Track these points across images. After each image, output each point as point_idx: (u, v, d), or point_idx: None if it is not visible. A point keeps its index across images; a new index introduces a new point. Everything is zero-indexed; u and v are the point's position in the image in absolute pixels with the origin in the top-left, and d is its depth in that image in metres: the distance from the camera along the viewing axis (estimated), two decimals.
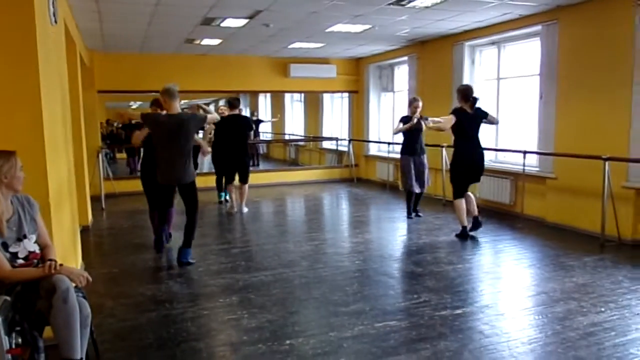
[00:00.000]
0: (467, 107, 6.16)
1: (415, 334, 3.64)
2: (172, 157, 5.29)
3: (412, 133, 7.34)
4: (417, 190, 7.45)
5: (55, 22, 4.23)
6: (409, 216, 7.62)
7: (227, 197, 8.68)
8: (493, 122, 6.41)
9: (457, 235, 6.40)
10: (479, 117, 6.21)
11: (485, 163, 6.39)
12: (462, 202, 6.32)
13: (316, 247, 6.17)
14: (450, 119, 6.16)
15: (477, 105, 6.19)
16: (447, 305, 4.15)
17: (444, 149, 8.68)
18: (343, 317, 3.94)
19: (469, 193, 6.38)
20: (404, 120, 7.38)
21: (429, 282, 4.78)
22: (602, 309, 4.02)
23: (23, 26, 3.20)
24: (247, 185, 8.21)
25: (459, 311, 4.03)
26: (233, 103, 8.07)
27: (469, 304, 4.22)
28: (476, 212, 6.38)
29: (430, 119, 7.15)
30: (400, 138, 7.59)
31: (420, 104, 7.29)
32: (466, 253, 5.86)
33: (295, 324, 3.88)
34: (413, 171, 7.36)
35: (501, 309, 4.19)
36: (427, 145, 7.58)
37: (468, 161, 6.23)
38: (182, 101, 5.89)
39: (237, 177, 8.20)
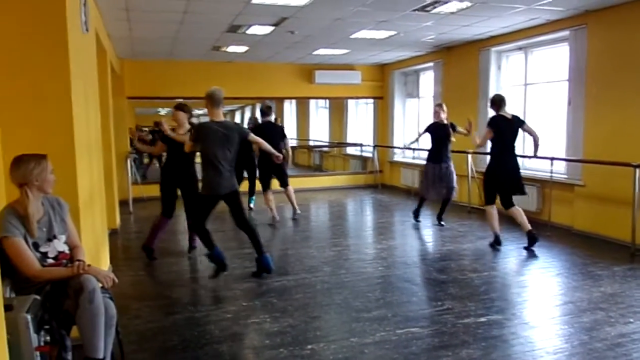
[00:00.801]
0: (505, 113, 6.03)
1: (438, 341, 3.62)
2: (222, 165, 5.04)
3: (440, 140, 7.30)
4: (431, 197, 7.43)
5: (87, 30, 4.36)
6: (415, 219, 7.77)
7: (252, 205, 8.62)
8: (532, 133, 6.07)
9: (490, 245, 6.27)
10: (516, 125, 6.05)
11: (520, 172, 6.18)
12: (492, 209, 6.17)
13: (339, 253, 6.18)
14: (487, 134, 6.04)
15: (515, 113, 6.12)
16: (471, 313, 4.11)
17: (469, 155, 8.61)
18: (365, 323, 3.94)
19: (517, 207, 6.13)
20: (429, 128, 7.38)
21: (452, 290, 4.74)
22: (631, 320, 3.92)
23: (55, 34, 3.31)
24: (290, 187, 8.17)
25: (482, 319, 3.98)
26: (266, 111, 7.96)
27: (493, 312, 4.16)
28: (528, 227, 6.04)
29: (458, 128, 7.18)
30: (428, 144, 7.54)
31: (444, 108, 7.28)
32: (491, 261, 5.79)
33: (316, 329, 3.90)
34: (432, 180, 7.29)
35: (526, 317, 4.12)
36: (452, 151, 7.50)
37: (503, 170, 6.05)
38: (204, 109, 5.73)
39: (277, 183, 8.17)
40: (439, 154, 7.31)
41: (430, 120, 7.52)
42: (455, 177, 7.47)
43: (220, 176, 5.04)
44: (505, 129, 6.01)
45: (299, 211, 8.32)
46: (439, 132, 7.31)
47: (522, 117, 6.45)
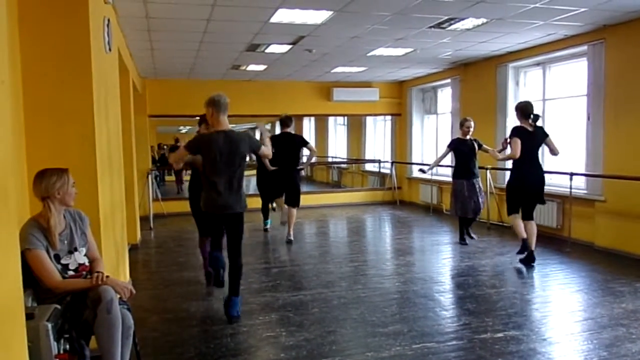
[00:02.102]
0: (527, 125, 5.95)
1: (454, 356, 3.59)
2: (223, 182, 4.37)
3: (465, 156, 7.17)
4: (469, 215, 7.22)
5: (110, 50, 4.51)
6: (461, 242, 7.34)
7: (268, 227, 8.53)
8: (554, 150, 5.97)
9: (518, 252, 6.21)
10: (539, 137, 5.96)
11: (545, 186, 6.07)
12: (516, 218, 6.11)
13: (356, 269, 6.17)
14: (516, 143, 5.85)
15: (539, 124, 6.02)
16: (488, 329, 4.07)
17: (488, 171, 8.57)
18: (381, 338, 3.93)
19: (534, 224, 6.09)
20: (454, 142, 7.32)
21: (469, 305, 4.70)
22: None
23: (79, 53, 3.44)
24: (295, 210, 7.66)
25: (499, 335, 3.94)
26: (285, 122, 7.69)
27: (510, 327, 4.11)
28: (533, 246, 6.03)
29: (484, 146, 7.12)
30: (452, 161, 7.41)
31: (473, 124, 7.18)
32: (510, 277, 5.73)
33: (332, 343, 3.89)
34: (467, 195, 7.12)
35: (545, 333, 4.06)
36: None
37: (524, 182, 5.97)
38: (230, 125, 4.72)
39: (284, 200, 7.77)
40: (466, 170, 7.16)
41: (449, 136, 7.45)
42: (483, 193, 7.38)
43: (219, 194, 4.38)
44: (526, 140, 5.89)
45: (292, 237, 7.64)
46: (463, 147, 7.21)
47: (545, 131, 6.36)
